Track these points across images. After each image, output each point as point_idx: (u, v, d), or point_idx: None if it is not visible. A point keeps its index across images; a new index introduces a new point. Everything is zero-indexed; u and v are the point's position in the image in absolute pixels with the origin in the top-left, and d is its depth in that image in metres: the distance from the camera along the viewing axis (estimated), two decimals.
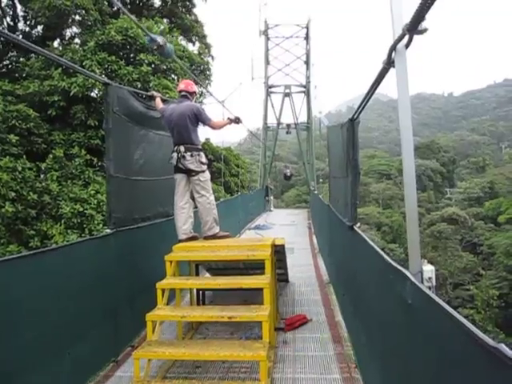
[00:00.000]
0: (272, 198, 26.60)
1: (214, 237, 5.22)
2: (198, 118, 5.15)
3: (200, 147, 5.25)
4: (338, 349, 4.48)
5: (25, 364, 3.04)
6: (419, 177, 51.32)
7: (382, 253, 2.77)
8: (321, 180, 22.71)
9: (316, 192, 17.59)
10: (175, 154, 5.11)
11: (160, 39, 3.78)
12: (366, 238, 3.48)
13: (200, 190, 5.19)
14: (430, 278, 2.17)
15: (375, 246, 3.03)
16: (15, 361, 2.95)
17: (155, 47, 3.87)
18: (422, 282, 2.11)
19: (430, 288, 2.10)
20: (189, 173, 5.15)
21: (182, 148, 5.07)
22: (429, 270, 2.18)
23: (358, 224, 4.26)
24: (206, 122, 5.23)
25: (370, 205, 48.55)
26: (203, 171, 5.17)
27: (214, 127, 5.37)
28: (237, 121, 5.57)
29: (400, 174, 51.85)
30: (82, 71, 4.70)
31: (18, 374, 2.98)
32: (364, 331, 3.66)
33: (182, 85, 5.47)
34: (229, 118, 5.59)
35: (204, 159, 5.19)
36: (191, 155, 5.07)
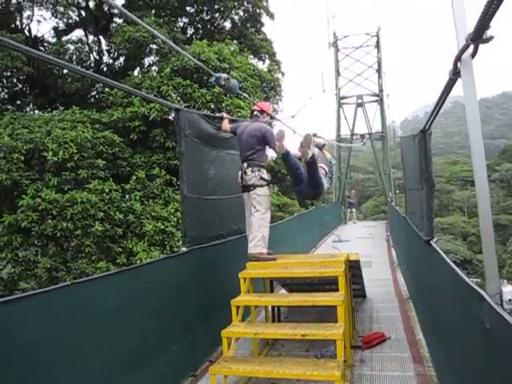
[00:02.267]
0: (355, 210, 25.95)
1: (258, 258, 4.97)
2: (265, 139, 5.17)
3: (262, 164, 5.22)
4: (419, 369, 4.26)
5: (108, 376, 3.25)
6: (508, 182, 47.66)
7: (458, 270, 2.63)
8: (397, 191, 21.87)
9: (393, 203, 16.97)
10: (240, 172, 5.20)
11: (224, 76, 3.89)
12: (443, 255, 3.31)
13: (256, 204, 5.11)
14: (510, 300, 2.01)
15: (451, 263, 2.88)
16: (99, 373, 3.16)
17: (223, 83, 3.96)
18: (502, 305, 1.97)
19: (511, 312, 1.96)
20: (248, 188, 5.17)
21: (245, 165, 5.16)
22: (509, 291, 2.02)
23: (435, 238, 4.07)
24: (271, 145, 5.22)
25: (454, 213, 45.86)
26: (261, 186, 5.10)
27: (281, 151, 5.32)
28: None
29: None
30: (152, 99, 5.01)
31: (104, 383, 3.20)
32: (444, 352, 3.47)
33: (255, 106, 5.60)
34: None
35: (265, 175, 5.14)
36: (252, 170, 5.12)
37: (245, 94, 4.13)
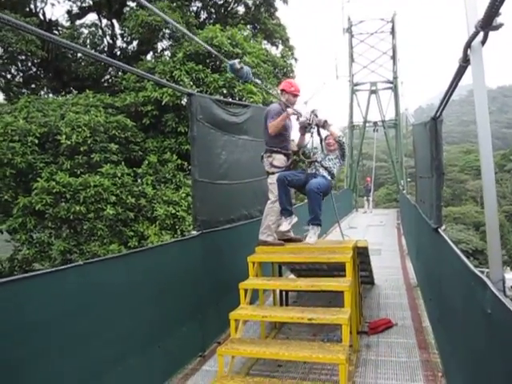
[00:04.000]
0: (371, 198, 25.61)
1: (266, 243, 4.98)
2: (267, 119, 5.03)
3: (275, 149, 5.06)
4: (424, 355, 4.31)
5: (118, 354, 3.36)
6: None
7: (464, 258, 2.65)
8: (409, 179, 21.72)
9: (405, 191, 16.88)
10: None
11: (237, 61, 3.77)
12: (450, 242, 3.33)
13: (268, 192, 5.12)
14: None
15: (458, 251, 2.90)
16: (110, 351, 3.28)
17: (238, 66, 3.73)
18: (504, 291, 2.00)
19: None
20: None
21: (264, 150, 5.18)
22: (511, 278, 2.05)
23: (444, 227, 4.08)
24: (270, 132, 4.98)
25: (467, 203, 45.39)
26: (273, 173, 5.02)
27: (271, 130, 4.97)
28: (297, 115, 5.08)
29: (500, 170, 47.71)
30: (164, 83, 5.02)
31: (115, 361, 3.31)
32: (449, 339, 3.51)
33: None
34: (287, 112, 5.00)
35: (277, 162, 5.03)
36: (263, 157, 5.13)
37: (257, 81, 4.03)
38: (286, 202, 4.87)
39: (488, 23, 1.81)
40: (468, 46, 2.14)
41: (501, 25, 1.81)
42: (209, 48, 3.32)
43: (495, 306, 1.86)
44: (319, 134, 5.18)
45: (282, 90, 5.21)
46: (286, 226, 4.91)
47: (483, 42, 2.05)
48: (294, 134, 5.54)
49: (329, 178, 4.96)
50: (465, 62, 2.30)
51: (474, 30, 1.96)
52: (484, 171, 2.19)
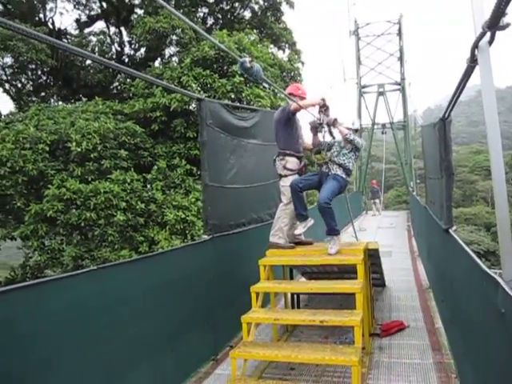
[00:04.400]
0: (378, 201, 25.19)
1: (277, 245, 5.03)
2: (287, 115, 4.99)
3: (288, 152, 5.06)
4: (437, 357, 4.28)
5: (132, 357, 3.39)
6: None
7: (475, 257, 2.65)
8: (418, 181, 21.59)
9: (414, 193, 16.80)
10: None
11: (248, 59, 3.76)
12: (461, 242, 3.32)
13: (280, 195, 5.17)
14: None
15: (469, 251, 2.90)
16: (124, 354, 3.31)
17: (248, 65, 3.69)
18: None
19: None
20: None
21: (277, 153, 5.19)
22: None
23: (454, 227, 4.07)
24: (291, 110, 4.92)
25: (478, 204, 44.96)
26: (286, 176, 5.06)
27: (302, 106, 4.88)
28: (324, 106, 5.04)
29: (511, 170, 47.27)
30: (174, 89, 5.06)
31: (128, 365, 3.34)
32: (462, 340, 3.49)
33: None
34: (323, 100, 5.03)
35: (290, 165, 5.05)
36: (276, 160, 5.15)
37: (268, 81, 3.98)
38: (300, 207, 4.96)
39: (495, 23, 1.82)
40: (475, 46, 2.15)
41: (508, 25, 1.83)
42: (223, 47, 3.35)
43: (509, 305, 1.86)
44: (331, 133, 5.17)
45: (290, 94, 5.18)
46: (300, 229, 5.03)
47: (490, 42, 2.07)
48: (305, 135, 5.52)
49: (343, 175, 4.92)
50: (472, 62, 2.31)
51: (480, 30, 1.98)
52: (494, 172, 2.20)
